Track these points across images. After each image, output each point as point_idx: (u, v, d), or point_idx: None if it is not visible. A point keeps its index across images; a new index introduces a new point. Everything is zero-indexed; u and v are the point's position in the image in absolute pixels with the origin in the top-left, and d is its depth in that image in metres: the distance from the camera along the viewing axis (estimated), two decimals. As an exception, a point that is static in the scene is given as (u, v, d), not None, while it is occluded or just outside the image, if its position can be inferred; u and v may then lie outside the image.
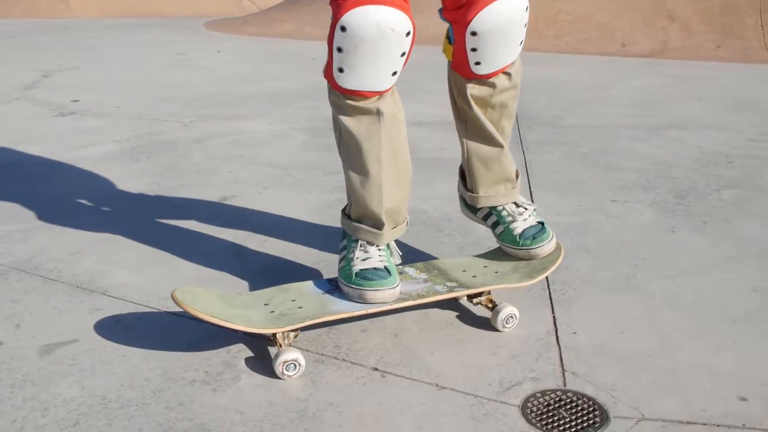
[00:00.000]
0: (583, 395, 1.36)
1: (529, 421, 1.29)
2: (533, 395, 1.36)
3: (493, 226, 1.75)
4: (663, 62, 5.66)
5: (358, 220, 1.60)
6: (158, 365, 1.46)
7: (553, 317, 1.65)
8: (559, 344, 1.54)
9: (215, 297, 1.51)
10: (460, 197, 1.82)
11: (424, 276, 1.66)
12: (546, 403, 1.34)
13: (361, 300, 1.52)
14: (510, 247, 1.72)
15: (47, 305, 1.71)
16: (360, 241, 1.59)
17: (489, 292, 1.63)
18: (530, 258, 1.71)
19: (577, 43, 6.36)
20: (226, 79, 4.83)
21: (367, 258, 1.56)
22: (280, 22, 8.41)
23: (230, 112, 3.77)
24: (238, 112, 3.80)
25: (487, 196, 1.73)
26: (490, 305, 1.61)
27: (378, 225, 1.58)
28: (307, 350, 1.51)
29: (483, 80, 1.61)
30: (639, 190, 2.52)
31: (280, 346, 1.43)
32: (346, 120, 1.52)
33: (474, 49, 1.54)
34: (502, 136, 1.69)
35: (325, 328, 1.59)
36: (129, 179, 2.64)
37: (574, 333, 1.58)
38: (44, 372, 1.43)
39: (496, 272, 1.68)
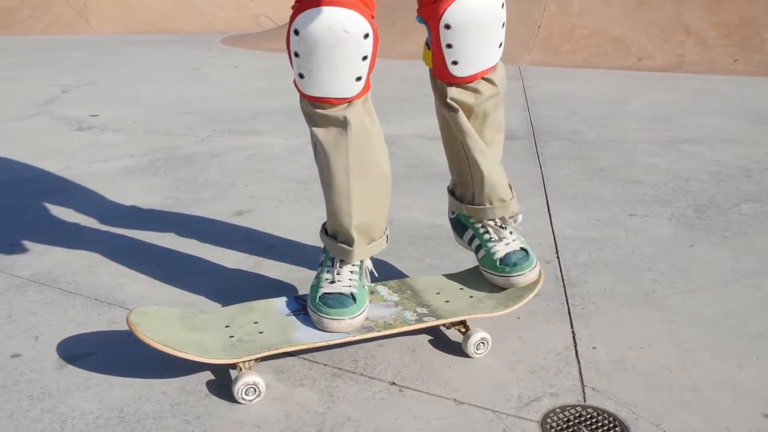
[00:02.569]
0: (604, 411, 1.35)
1: (548, 436, 1.27)
2: (553, 411, 1.35)
3: (476, 250, 1.69)
4: (680, 76, 5.64)
5: (332, 235, 1.56)
6: (175, 378, 1.45)
7: (572, 332, 1.64)
8: (578, 359, 1.53)
9: (175, 318, 1.46)
10: (450, 220, 1.77)
11: (395, 298, 1.61)
12: (566, 419, 1.32)
13: (320, 326, 1.48)
14: (490, 273, 1.66)
15: (65, 318, 1.71)
16: (334, 260, 1.55)
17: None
18: (509, 286, 1.64)
19: (593, 57, 6.35)
20: (243, 94, 4.86)
21: (336, 281, 1.53)
22: (296, 37, 8.44)
23: (247, 127, 3.79)
24: (254, 126, 3.81)
25: (476, 208, 1.65)
26: (463, 329, 1.56)
27: (348, 241, 1.53)
28: (325, 364, 1.50)
29: (464, 84, 1.53)
30: (657, 204, 2.50)
31: (240, 369, 1.39)
32: (315, 129, 1.47)
33: (449, 45, 1.47)
34: (490, 148, 1.60)
35: (342, 342, 1.58)
36: (146, 193, 2.65)
37: (594, 348, 1.57)
38: (62, 384, 1.44)
39: (471, 297, 1.62)
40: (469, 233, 1.71)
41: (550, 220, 2.33)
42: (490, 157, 1.59)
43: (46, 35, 10.48)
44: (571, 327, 1.66)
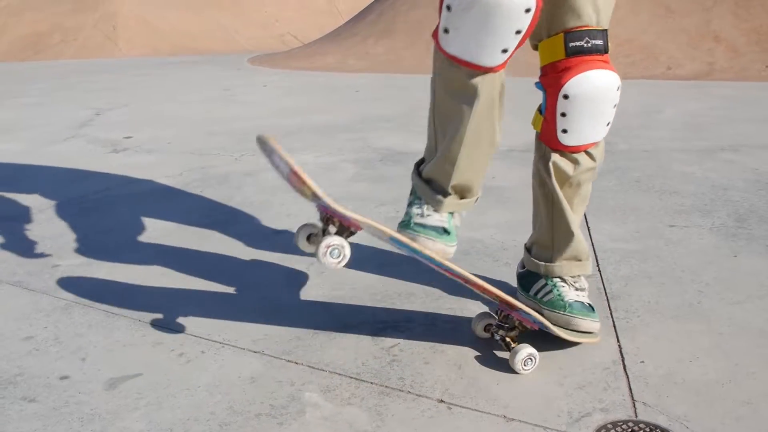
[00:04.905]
0: (657, 426, 1.33)
1: (601, 453, 1.26)
2: (604, 426, 1.33)
3: (544, 295, 1.68)
4: (710, 84, 5.59)
5: (426, 180, 1.59)
6: (223, 399, 1.46)
7: (619, 346, 1.62)
8: (626, 374, 1.51)
9: None
10: (518, 274, 1.79)
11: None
12: (618, 435, 1.31)
13: (415, 243, 1.49)
14: (553, 311, 1.63)
15: (111, 339, 1.73)
16: (422, 199, 1.59)
17: (518, 328, 1.58)
18: (570, 327, 1.61)
19: (621, 67, 6.31)
20: (273, 113, 4.89)
21: (428, 216, 1.56)
22: (322, 55, 8.52)
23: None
24: (286, 145, 3.83)
25: (554, 266, 1.67)
26: (512, 344, 1.54)
27: (443, 193, 1.56)
28: (372, 382, 1.50)
29: (567, 153, 1.59)
30: (697, 214, 2.47)
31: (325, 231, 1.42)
32: (441, 90, 1.47)
33: (564, 114, 1.53)
34: (574, 214, 1.66)
35: (387, 360, 1.58)
36: (184, 213, 2.67)
37: (642, 362, 1.55)
38: (111, 406, 1.45)
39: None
40: (540, 283, 1.70)
41: (589, 232, 2.31)
42: (574, 220, 1.65)
43: (76, 59, 10.66)
44: (617, 341, 1.64)
